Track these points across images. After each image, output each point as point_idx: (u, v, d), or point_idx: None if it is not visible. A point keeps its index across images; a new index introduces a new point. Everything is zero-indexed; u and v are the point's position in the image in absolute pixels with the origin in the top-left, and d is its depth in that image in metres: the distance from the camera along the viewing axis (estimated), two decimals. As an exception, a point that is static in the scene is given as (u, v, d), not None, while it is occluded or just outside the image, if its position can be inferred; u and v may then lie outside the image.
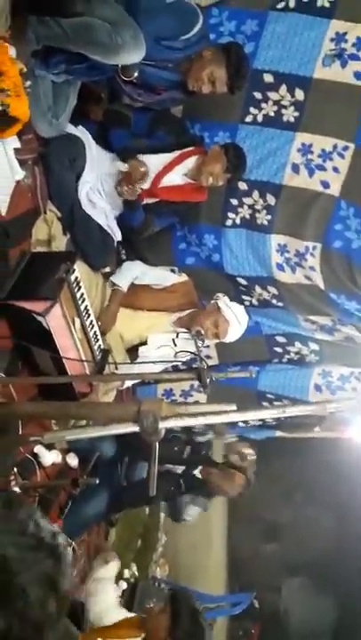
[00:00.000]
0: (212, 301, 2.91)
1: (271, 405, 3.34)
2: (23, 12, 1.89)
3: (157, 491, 2.60)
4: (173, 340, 2.88)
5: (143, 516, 3.89)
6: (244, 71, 2.36)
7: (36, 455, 2.26)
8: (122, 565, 3.34)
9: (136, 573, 3.56)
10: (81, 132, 2.36)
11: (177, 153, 2.58)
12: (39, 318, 1.89)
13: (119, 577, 3.33)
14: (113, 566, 2.29)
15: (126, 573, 3.43)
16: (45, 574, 0.47)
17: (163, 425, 0.97)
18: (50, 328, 1.92)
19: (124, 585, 3.31)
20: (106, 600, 2.37)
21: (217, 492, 2.81)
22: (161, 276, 2.92)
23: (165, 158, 2.56)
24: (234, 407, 1.04)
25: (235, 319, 2.81)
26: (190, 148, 2.61)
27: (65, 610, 0.49)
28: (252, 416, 1.06)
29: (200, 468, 2.82)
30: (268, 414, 1.08)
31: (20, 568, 0.46)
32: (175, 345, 2.87)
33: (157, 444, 1.01)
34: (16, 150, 1.96)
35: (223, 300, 2.88)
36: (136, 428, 0.98)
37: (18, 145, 1.96)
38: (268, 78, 2.70)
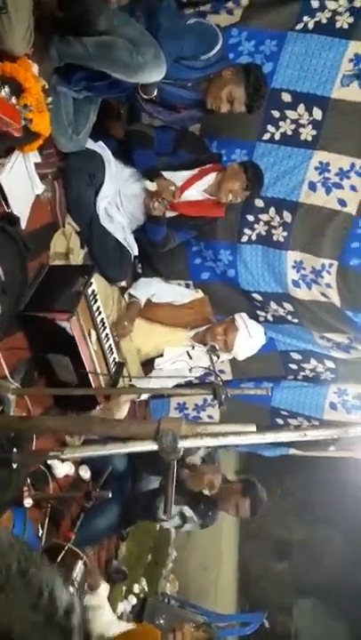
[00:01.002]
0: (230, 317, 2.93)
1: (285, 422, 3.32)
2: (47, 31, 1.94)
3: (153, 497, 2.62)
4: (188, 352, 2.89)
5: (154, 530, 3.86)
6: (262, 91, 2.39)
7: (49, 466, 2.27)
8: (132, 580, 3.31)
9: (146, 588, 3.52)
10: (100, 147, 2.41)
11: (196, 170, 2.61)
12: (63, 324, 1.91)
13: (129, 591, 3.31)
14: (102, 591, 2.27)
15: (136, 588, 3.40)
16: None
17: (182, 444, 0.97)
18: (74, 334, 1.94)
19: (133, 600, 3.28)
20: (102, 622, 2.34)
21: (205, 501, 2.79)
22: (178, 294, 2.94)
23: (186, 175, 2.61)
24: (253, 428, 1.03)
25: (244, 328, 2.80)
26: (209, 165, 2.64)
27: None
28: (272, 438, 1.04)
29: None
30: (290, 437, 1.07)
31: None
32: (190, 358, 2.87)
33: (175, 462, 1.01)
34: (36, 165, 2.00)
35: (240, 315, 2.88)
36: (155, 447, 0.97)
37: (38, 159, 2.00)
38: (287, 97, 2.73)
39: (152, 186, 2.46)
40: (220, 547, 7.20)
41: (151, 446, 0.99)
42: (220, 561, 7.34)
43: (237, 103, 2.36)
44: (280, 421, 3.32)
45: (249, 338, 2.82)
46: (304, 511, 8.48)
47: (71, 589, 0.49)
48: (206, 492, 2.68)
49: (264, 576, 8.69)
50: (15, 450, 1.60)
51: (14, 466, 1.26)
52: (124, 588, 3.22)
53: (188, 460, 2.74)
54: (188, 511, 2.76)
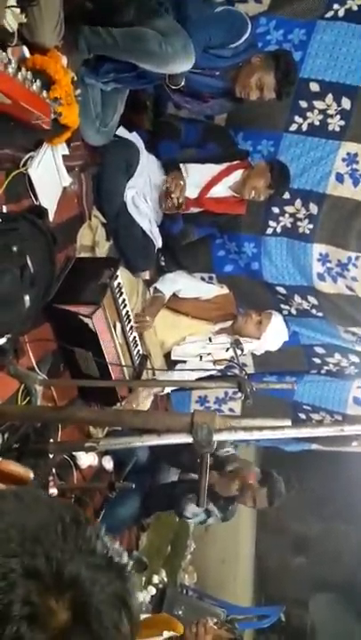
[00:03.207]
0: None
1: (307, 417, 3.30)
2: (76, 23, 1.93)
3: (181, 494, 2.63)
4: (210, 338, 2.90)
5: (173, 522, 3.87)
6: (292, 77, 2.36)
7: (73, 457, 2.29)
8: (151, 571, 3.34)
9: (165, 579, 3.54)
10: (135, 137, 2.41)
11: (225, 165, 2.61)
12: (86, 320, 1.92)
13: (148, 582, 3.33)
14: None
15: (155, 579, 3.42)
16: (117, 595, 0.45)
17: (216, 437, 0.96)
18: (96, 330, 1.95)
19: (152, 590, 3.30)
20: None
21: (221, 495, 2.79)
22: (203, 289, 2.94)
23: (213, 169, 2.61)
24: (288, 422, 1.02)
25: (278, 314, 2.82)
26: (237, 162, 2.63)
27: (137, 632, 0.48)
28: (308, 433, 1.04)
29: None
30: (326, 431, 1.05)
31: (93, 589, 0.43)
32: (210, 342, 2.88)
33: (208, 455, 1.00)
34: (64, 157, 2.00)
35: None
36: (190, 439, 0.97)
37: (66, 152, 2.00)
38: (315, 87, 2.68)
39: (164, 180, 2.47)
40: (238, 540, 7.21)
41: (186, 439, 0.99)
42: (238, 554, 7.35)
43: (267, 90, 2.33)
44: (302, 416, 3.29)
45: (282, 325, 2.82)
46: (322, 506, 8.43)
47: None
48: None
49: (281, 570, 8.68)
50: (44, 440, 1.61)
51: (50, 456, 1.27)
52: (143, 578, 3.24)
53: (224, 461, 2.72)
54: (210, 506, 2.76)
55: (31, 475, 0.65)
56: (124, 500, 2.66)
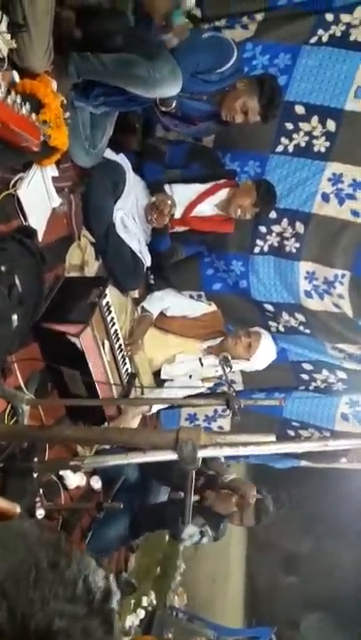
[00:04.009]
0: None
1: (296, 433, 3.30)
2: (65, 48, 1.97)
3: (175, 517, 2.61)
4: (200, 359, 2.90)
5: (163, 543, 3.84)
6: (277, 101, 2.41)
7: (60, 477, 2.27)
8: (140, 593, 3.29)
9: (154, 601, 3.50)
10: (122, 159, 2.44)
11: (210, 184, 2.64)
12: (73, 339, 1.92)
13: (137, 604, 3.29)
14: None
15: (144, 601, 3.38)
16: None
17: (201, 454, 0.97)
18: (84, 349, 1.95)
19: (142, 613, 3.26)
20: None
21: (216, 514, 2.77)
22: (191, 307, 2.96)
23: (198, 189, 2.64)
24: (273, 438, 1.03)
25: (267, 333, 2.84)
26: (223, 181, 2.67)
27: None
28: (294, 448, 1.05)
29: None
30: (309, 447, 1.06)
31: None
32: (202, 365, 2.88)
33: (193, 472, 1.01)
34: (54, 178, 2.02)
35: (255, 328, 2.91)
36: (174, 456, 0.98)
37: (56, 173, 2.02)
38: (300, 110, 2.74)
39: (152, 200, 2.51)
40: (229, 559, 7.14)
41: (171, 456, 0.99)
42: (228, 573, 7.28)
43: (251, 113, 2.39)
44: (291, 432, 3.30)
45: (271, 344, 2.84)
46: (313, 524, 8.39)
47: (104, 572, 0.46)
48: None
49: (272, 589, 8.60)
50: (30, 459, 1.60)
51: (34, 475, 1.26)
52: (132, 601, 3.20)
53: (223, 480, 2.70)
54: (205, 527, 2.74)
55: (17, 509, 0.61)
56: (113, 521, 2.63)
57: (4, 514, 0.58)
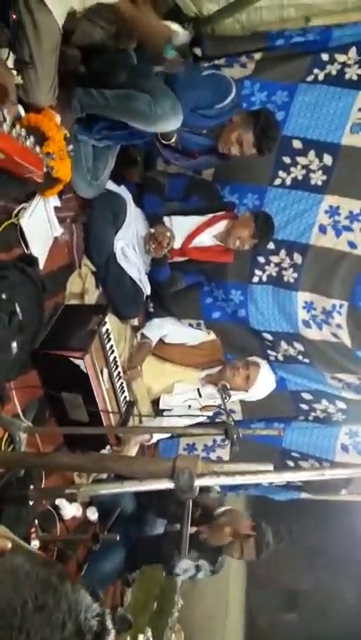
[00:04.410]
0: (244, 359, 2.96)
1: (296, 464, 3.27)
2: (70, 83, 2.04)
3: (170, 550, 2.56)
4: (198, 390, 2.89)
5: (160, 577, 3.74)
6: (271, 133, 2.46)
7: (56, 507, 2.24)
8: (136, 629, 3.19)
9: (150, 639, 3.39)
10: (123, 191, 2.49)
11: (209, 216, 2.70)
12: (77, 362, 1.93)
13: (133, 642, 3.18)
14: None
15: (141, 638, 3.27)
16: None
17: (198, 483, 0.96)
18: (87, 371, 1.95)
19: (138, 651, 3.16)
20: None
21: (213, 547, 2.71)
22: (190, 336, 2.98)
23: (197, 220, 2.69)
24: (270, 467, 1.03)
25: (265, 365, 2.83)
26: (222, 213, 2.73)
27: None
28: (290, 477, 1.04)
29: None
30: (307, 476, 1.05)
31: None
32: (200, 396, 2.88)
33: (190, 502, 1.00)
34: (56, 208, 2.06)
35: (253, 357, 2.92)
36: (171, 485, 0.97)
37: (58, 204, 2.07)
38: (297, 144, 2.82)
39: (150, 231, 2.56)
40: (228, 595, 6.94)
41: (167, 484, 0.98)
42: (227, 610, 7.06)
43: (246, 145, 2.44)
44: (291, 463, 3.26)
45: (270, 375, 2.84)
46: (314, 559, 8.19)
47: (99, 606, 0.43)
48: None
49: (272, 627, 8.33)
50: (26, 487, 1.59)
51: (30, 503, 1.25)
52: (128, 637, 3.10)
53: (215, 513, 2.66)
54: (200, 560, 2.68)
55: (8, 545, 0.59)
56: (109, 553, 2.57)
57: None
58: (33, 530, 1.96)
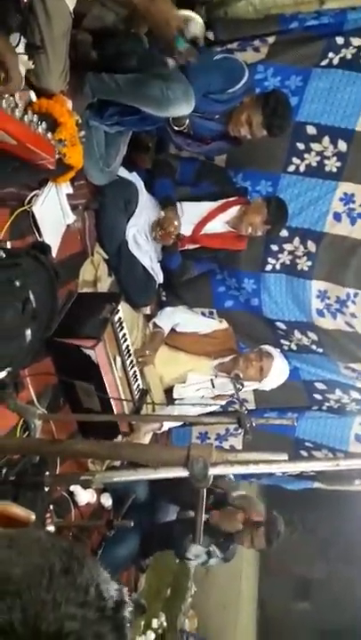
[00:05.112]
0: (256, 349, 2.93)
1: (309, 454, 3.25)
2: (81, 69, 2.02)
3: (182, 535, 2.57)
4: (212, 380, 2.89)
5: (173, 563, 3.76)
6: (281, 111, 2.38)
7: (71, 494, 2.26)
8: (150, 614, 3.23)
9: (164, 624, 3.42)
10: (134, 177, 2.48)
11: (220, 202, 2.66)
12: (88, 352, 1.93)
13: (147, 626, 3.22)
14: None
15: (155, 623, 3.30)
16: None
17: (212, 471, 0.96)
18: (98, 362, 1.96)
19: (151, 636, 3.19)
20: None
21: (225, 534, 2.71)
22: (202, 324, 2.96)
23: (209, 206, 2.65)
24: (285, 457, 1.02)
25: (278, 355, 2.81)
26: (234, 198, 2.69)
27: None
28: (305, 467, 1.03)
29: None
30: (322, 466, 1.04)
31: None
32: (213, 387, 2.87)
33: (204, 490, 0.99)
34: (68, 196, 2.06)
35: (268, 346, 2.90)
36: (185, 473, 0.97)
37: (70, 191, 2.06)
38: (311, 130, 2.77)
39: (160, 216, 2.52)
40: (240, 585, 6.98)
41: (181, 473, 0.98)
42: (240, 600, 7.10)
43: (256, 126, 2.38)
44: (304, 453, 3.25)
45: (283, 366, 2.82)
46: (326, 548, 8.20)
47: (117, 584, 0.46)
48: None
49: (284, 616, 8.37)
50: (41, 473, 1.60)
51: (46, 489, 1.26)
52: (142, 622, 3.13)
53: (230, 499, 2.66)
54: (212, 547, 2.69)
55: (33, 517, 0.61)
56: (123, 539, 2.59)
57: (19, 521, 0.59)
58: (48, 515, 1.98)
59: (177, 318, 2.87)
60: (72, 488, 2.23)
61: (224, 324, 3.04)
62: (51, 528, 1.93)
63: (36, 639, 0.38)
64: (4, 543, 0.44)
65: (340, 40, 2.69)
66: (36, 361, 1.93)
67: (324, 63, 2.73)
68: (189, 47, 1.83)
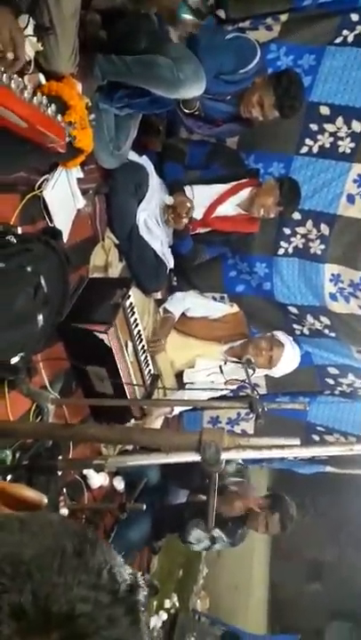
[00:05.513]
0: (267, 334, 2.92)
1: (321, 439, 3.25)
2: (91, 50, 1.99)
3: (187, 518, 2.58)
4: (221, 367, 2.88)
5: (185, 546, 3.82)
6: (293, 91, 2.32)
7: (84, 477, 2.28)
8: (163, 595, 3.28)
9: (177, 604, 3.48)
10: (145, 161, 2.45)
11: (231, 184, 2.62)
12: (101, 336, 1.93)
13: (160, 606, 3.27)
14: None
15: (167, 603, 3.36)
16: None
17: (224, 456, 0.96)
18: (111, 345, 1.96)
19: (164, 616, 3.25)
20: None
21: (232, 519, 2.72)
22: (213, 308, 2.95)
23: (220, 189, 2.61)
24: (297, 441, 1.01)
25: (289, 344, 2.79)
26: (245, 180, 2.65)
27: None
28: (318, 452, 1.03)
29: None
30: (334, 451, 1.04)
31: (89, 628, 0.38)
32: (222, 372, 2.86)
33: (217, 475, 1.00)
34: (78, 180, 2.04)
35: (278, 332, 2.88)
36: (197, 458, 0.97)
37: (80, 175, 2.04)
38: (325, 110, 2.72)
39: (169, 200, 2.49)
40: (252, 567, 7.06)
41: (193, 457, 0.98)
42: (251, 581, 7.20)
43: (267, 106, 2.33)
44: (316, 437, 3.25)
45: (294, 354, 2.80)
46: (338, 531, 8.25)
47: (130, 569, 0.46)
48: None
49: (296, 598, 8.46)
50: (54, 458, 1.62)
51: (58, 473, 1.27)
52: (155, 602, 3.19)
53: (227, 483, 2.68)
54: (216, 532, 2.71)
55: (45, 500, 0.61)
56: (135, 522, 2.63)
57: (31, 504, 0.59)
58: (61, 499, 2.01)
59: (187, 303, 2.86)
60: (85, 471, 2.25)
61: (235, 308, 3.02)
62: (64, 511, 1.96)
63: (46, 621, 0.38)
64: (16, 526, 0.44)
65: (354, 17, 2.62)
66: (49, 346, 1.94)
67: (338, 41, 2.66)
68: (192, 19, 1.78)
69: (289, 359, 2.84)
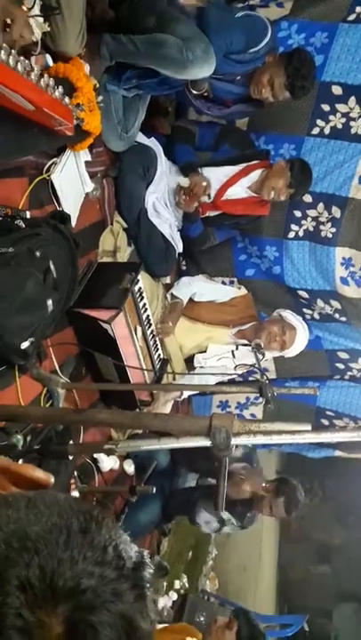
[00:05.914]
0: (274, 313, 2.88)
1: (330, 423, 3.25)
2: (98, 31, 1.96)
3: (195, 501, 2.60)
4: (233, 351, 2.87)
5: (194, 528, 3.86)
6: (305, 70, 2.26)
7: (95, 460, 2.31)
8: (173, 576, 3.33)
9: (186, 585, 3.53)
10: (153, 143, 2.42)
11: (241, 166, 2.58)
12: (105, 326, 1.93)
13: (170, 587, 3.32)
14: None
15: (177, 584, 3.41)
16: (124, 615, 0.41)
17: (235, 441, 0.96)
18: (115, 336, 1.96)
19: (174, 596, 3.30)
20: None
21: (242, 502, 2.73)
22: (220, 292, 2.92)
23: (230, 171, 2.57)
24: (308, 427, 1.01)
25: (301, 326, 2.77)
26: (255, 162, 2.60)
27: None
28: (328, 437, 1.02)
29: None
30: (345, 436, 1.04)
31: (93, 604, 0.40)
32: (234, 357, 2.86)
33: (227, 459, 1.00)
34: (87, 163, 2.02)
35: (286, 311, 2.84)
36: (208, 443, 0.97)
37: (89, 158, 2.03)
38: (337, 90, 2.66)
39: (185, 182, 2.45)
40: (260, 548, 7.14)
41: (204, 442, 0.98)
42: (260, 562, 7.28)
43: (278, 86, 2.27)
44: (325, 422, 3.25)
45: (304, 333, 2.78)
46: (346, 515, 8.30)
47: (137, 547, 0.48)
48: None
49: (304, 579, 8.56)
50: (65, 442, 1.63)
51: (70, 457, 1.28)
52: (165, 583, 3.24)
53: (233, 468, 2.69)
54: (225, 514, 2.72)
55: (52, 480, 0.63)
56: (145, 505, 2.66)
57: (39, 483, 0.61)
58: (73, 481, 2.03)
59: (194, 287, 2.84)
60: (96, 455, 2.27)
61: (243, 291, 2.99)
62: (75, 494, 1.98)
63: (53, 595, 0.39)
64: (23, 503, 0.45)
65: (368, -8, 2.55)
66: (58, 331, 1.94)
67: (351, 18, 2.59)
68: None
69: (301, 340, 2.81)
